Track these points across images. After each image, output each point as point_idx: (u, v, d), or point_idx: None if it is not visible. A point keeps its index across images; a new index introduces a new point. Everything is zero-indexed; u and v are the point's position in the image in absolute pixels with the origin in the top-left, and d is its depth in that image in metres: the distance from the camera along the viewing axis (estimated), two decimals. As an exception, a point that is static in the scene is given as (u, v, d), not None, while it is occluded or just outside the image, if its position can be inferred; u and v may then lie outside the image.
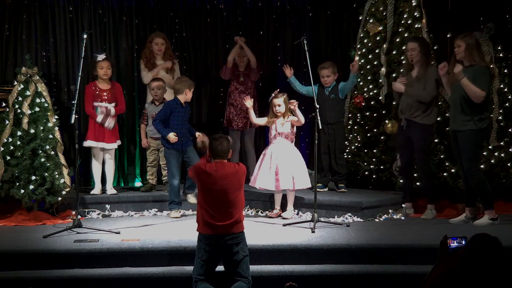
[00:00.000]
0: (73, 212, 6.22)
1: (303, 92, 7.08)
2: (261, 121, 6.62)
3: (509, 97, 6.89)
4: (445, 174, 6.76)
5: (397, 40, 7.03)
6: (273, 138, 6.45)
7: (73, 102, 5.93)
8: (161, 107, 6.99)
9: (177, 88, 6.53)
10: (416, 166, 6.59)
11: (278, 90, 6.52)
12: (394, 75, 6.99)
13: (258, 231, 5.71)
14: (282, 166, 6.34)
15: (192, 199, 6.50)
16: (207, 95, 8.07)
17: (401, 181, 6.78)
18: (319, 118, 5.97)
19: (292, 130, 6.46)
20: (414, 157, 6.57)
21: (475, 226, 5.81)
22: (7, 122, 6.40)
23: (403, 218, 6.44)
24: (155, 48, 7.25)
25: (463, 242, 3.14)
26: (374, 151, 7.17)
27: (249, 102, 6.48)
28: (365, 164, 7.20)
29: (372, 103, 7.18)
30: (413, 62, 6.37)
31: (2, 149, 6.33)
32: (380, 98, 7.03)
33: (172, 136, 6.36)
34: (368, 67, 7.23)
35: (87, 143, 6.90)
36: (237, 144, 7.46)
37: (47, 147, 6.42)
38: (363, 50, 7.28)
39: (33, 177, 6.32)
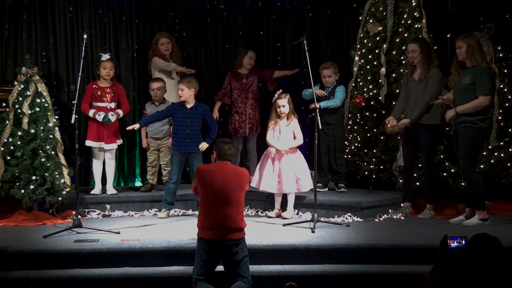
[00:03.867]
0: (73, 212, 6.23)
1: (308, 98, 7.04)
2: (270, 135, 6.52)
3: (509, 97, 6.90)
4: (445, 174, 6.76)
5: (397, 40, 7.03)
6: (276, 141, 6.44)
7: (73, 102, 5.94)
8: (161, 107, 7.01)
9: None
10: (422, 165, 6.56)
11: (280, 90, 6.52)
12: (394, 75, 7.00)
13: (258, 231, 5.71)
14: (285, 169, 6.34)
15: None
16: (207, 94, 8.06)
17: (401, 180, 6.77)
18: (319, 118, 5.98)
19: (295, 136, 6.47)
20: (416, 156, 6.56)
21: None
22: (7, 122, 6.40)
23: (403, 218, 6.45)
24: (162, 49, 7.25)
25: (463, 242, 3.14)
26: (374, 151, 7.16)
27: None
28: (365, 164, 7.20)
29: (372, 103, 7.17)
30: (414, 64, 6.35)
31: (2, 149, 6.33)
32: (380, 98, 7.03)
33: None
34: (368, 67, 7.23)
35: (87, 143, 6.91)
36: (240, 146, 7.44)
37: (47, 147, 6.42)
38: (363, 50, 7.28)
39: (33, 177, 6.33)
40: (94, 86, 6.92)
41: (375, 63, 7.16)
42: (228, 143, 4.97)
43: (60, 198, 6.46)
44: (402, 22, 7.06)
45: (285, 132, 6.45)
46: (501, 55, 6.88)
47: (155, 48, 7.29)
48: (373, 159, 7.15)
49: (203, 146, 6.40)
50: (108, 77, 6.93)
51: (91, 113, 6.81)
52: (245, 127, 7.35)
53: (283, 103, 6.41)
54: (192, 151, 6.44)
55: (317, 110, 6.02)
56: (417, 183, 6.77)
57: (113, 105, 6.95)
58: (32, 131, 6.42)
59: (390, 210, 6.55)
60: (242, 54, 7.37)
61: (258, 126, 7.43)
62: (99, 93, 6.89)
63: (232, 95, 7.43)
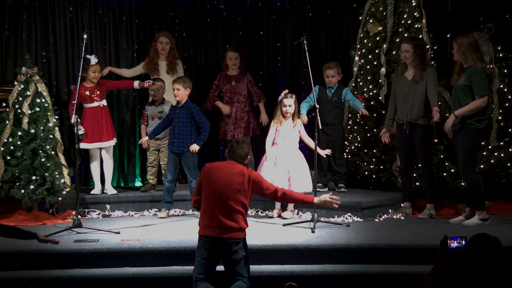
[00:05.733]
0: (73, 212, 6.23)
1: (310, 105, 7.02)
2: (273, 132, 6.52)
3: (509, 97, 6.90)
4: (445, 174, 6.76)
5: (397, 40, 7.03)
6: (280, 141, 6.43)
7: (73, 102, 5.94)
8: (160, 107, 7.01)
9: None
10: (420, 165, 6.56)
11: (287, 90, 6.50)
12: (394, 75, 7.00)
13: (258, 231, 5.71)
14: (293, 169, 6.36)
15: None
16: (207, 94, 8.04)
17: (401, 181, 6.77)
18: (319, 118, 5.97)
19: (302, 137, 6.50)
20: (412, 156, 6.57)
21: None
22: (7, 122, 6.40)
23: (403, 218, 6.45)
24: (159, 47, 7.27)
25: (463, 242, 3.15)
26: (374, 151, 7.16)
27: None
28: (365, 164, 7.19)
29: (372, 103, 7.17)
30: (406, 64, 6.35)
31: (2, 149, 6.33)
32: (380, 98, 7.03)
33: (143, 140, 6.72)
34: (368, 67, 7.23)
35: (83, 146, 6.87)
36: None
37: (47, 147, 6.42)
38: (363, 50, 7.28)
39: (33, 177, 6.33)
40: (82, 89, 6.87)
41: (375, 63, 7.16)
42: (241, 143, 4.88)
43: (60, 198, 6.46)
44: (402, 22, 7.06)
45: (291, 133, 6.44)
46: (501, 55, 6.87)
47: (154, 45, 7.31)
48: (373, 159, 7.15)
49: (193, 148, 6.37)
50: (96, 80, 6.92)
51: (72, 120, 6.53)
52: (235, 130, 7.21)
53: (290, 102, 6.40)
54: (181, 151, 6.44)
55: (317, 110, 6.02)
56: (417, 183, 6.77)
57: (104, 102, 6.94)
58: (32, 131, 6.42)
59: (390, 210, 6.55)
60: (223, 55, 7.34)
61: (250, 129, 7.30)
62: (88, 94, 6.87)
63: (224, 97, 7.38)
